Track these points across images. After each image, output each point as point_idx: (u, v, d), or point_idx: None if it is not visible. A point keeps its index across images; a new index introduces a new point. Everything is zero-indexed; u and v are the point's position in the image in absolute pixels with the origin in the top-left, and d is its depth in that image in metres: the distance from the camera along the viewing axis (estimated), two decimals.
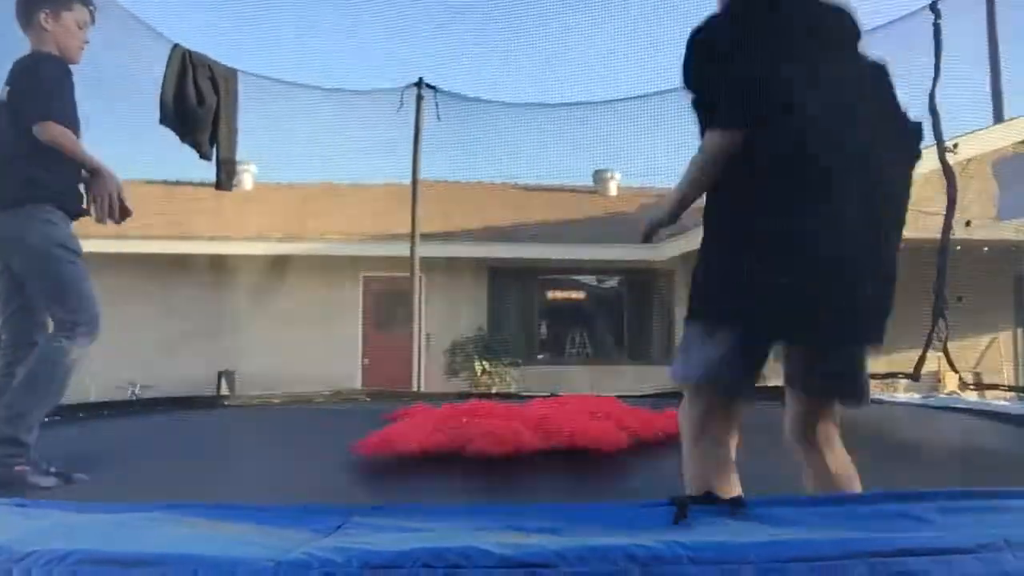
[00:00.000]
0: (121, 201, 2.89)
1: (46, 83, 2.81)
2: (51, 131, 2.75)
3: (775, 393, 6.15)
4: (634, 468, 3.16)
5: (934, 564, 1.04)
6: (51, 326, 2.82)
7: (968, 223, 5.51)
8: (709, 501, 1.45)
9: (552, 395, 5.07)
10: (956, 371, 5.61)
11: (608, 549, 1.06)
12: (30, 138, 2.76)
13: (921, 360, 5.49)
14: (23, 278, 2.85)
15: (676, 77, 2.02)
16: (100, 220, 2.89)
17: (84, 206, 2.95)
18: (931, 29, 5.26)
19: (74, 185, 2.92)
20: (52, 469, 2.75)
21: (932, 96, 5.18)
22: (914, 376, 5.54)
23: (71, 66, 2.96)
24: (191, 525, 1.55)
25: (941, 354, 6.05)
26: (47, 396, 2.74)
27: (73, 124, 2.86)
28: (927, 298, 5.41)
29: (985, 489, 1.55)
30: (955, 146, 5.41)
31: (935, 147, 5.25)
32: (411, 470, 3.04)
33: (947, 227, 5.33)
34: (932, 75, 5.17)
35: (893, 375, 6.25)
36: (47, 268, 2.80)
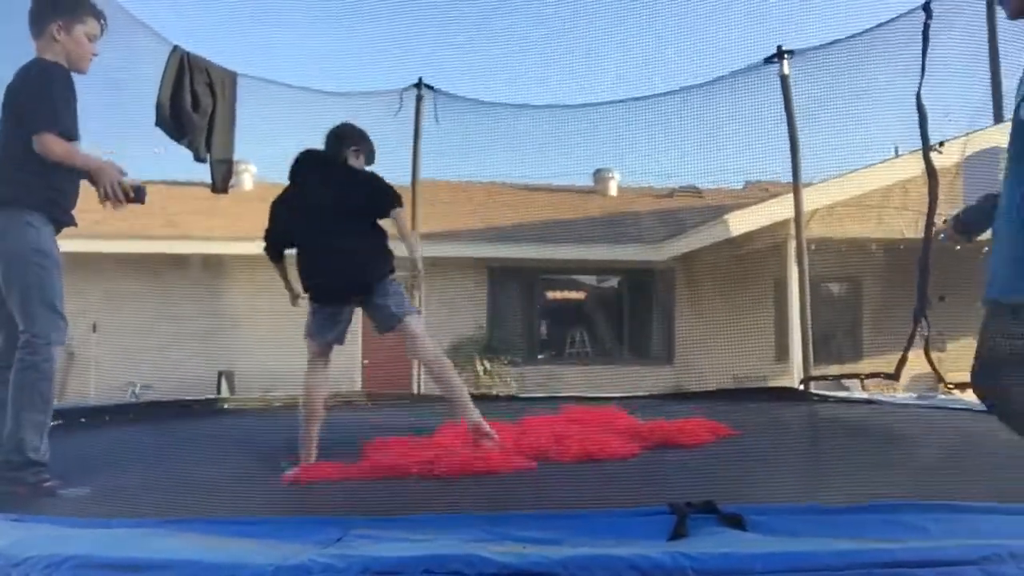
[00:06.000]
0: (125, 185, 2.90)
1: (53, 95, 2.83)
2: (48, 145, 2.76)
3: (775, 393, 6.15)
4: (631, 471, 3.15)
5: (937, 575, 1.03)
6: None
7: (945, 221, 5.48)
8: (709, 510, 1.45)
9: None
10: (940, 376, 5.55)
11: (611, 559, 1.05)
12: (28, 143, 2.76)
13: (902, 360, 5.48)
14: (2, 280, 2.84)
15: (675, 79, 2.04)
16: (115, 206, 2.92)
17: (71, 216, 2.97)
18: (924, 28, 5.27)
19: (66, 195, 2.94)
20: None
21: (918, 95, 5.19)
22: (895, 376, 5.54)
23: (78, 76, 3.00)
24: (191, 537, 1.54)
25: (939, 355, 6.00)
26: (35, 415, 2.75)
27: (74, 135, 2.88)
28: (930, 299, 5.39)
29: (978, 504, 1.55)
30: (941, 145, 5.39)
31: (923, 146, 5.28)
32: (411, 480, 3.03)
33: (929, 225, 5.33)
34: (920, 74, 5.19)
35: (875, 375, 6.27)
36: (20, 272, 2.79)
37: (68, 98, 2.88)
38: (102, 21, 3.06)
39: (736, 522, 1.39)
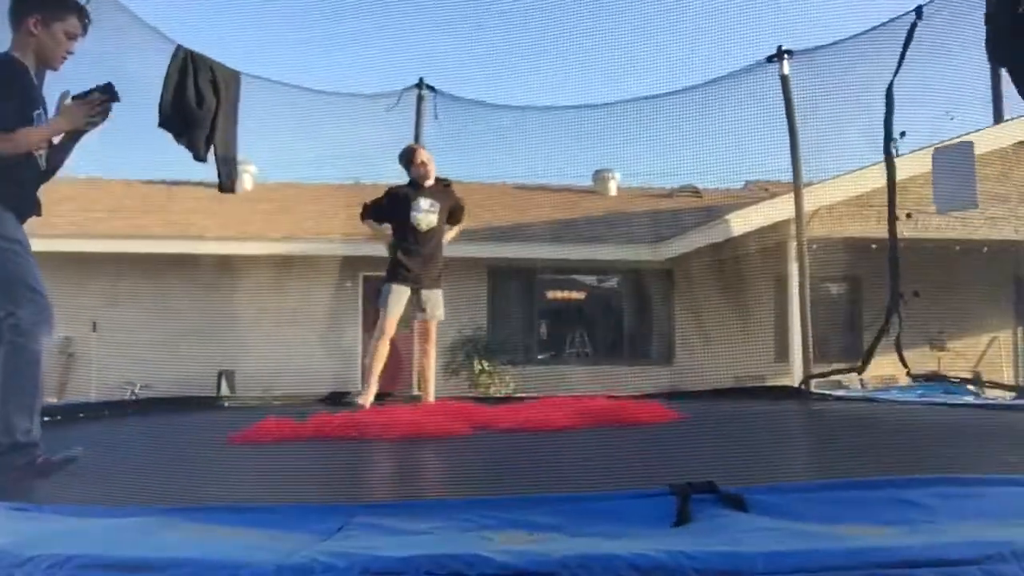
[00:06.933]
0: (94, 102, 2.88)
1: None
2: None
3: (775, 393, 6.17)
4: (628, 449, 3.17)
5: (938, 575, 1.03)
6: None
7: (908, 215, 5.48)
8: (709, 490, 1.45)
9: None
10: (907, 368, 5.57)
11: (611, 558, 1.05)
12: None
13: (868, 354, 5.51)
14: None
15: (674, 80, 2.06)
16: (101, 120, 2.93)
17: (38, 212, 2.95)
18: (924, 29, 5.30)
19: (28, 191, 2.91)
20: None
21: (890, 86, 5.22)
22: (860, 370, 5.59)
23: (54, 70, 2.98)
24: (193, 528, 1.55)
25: (940, 353, 6.00)
26: (24, 398, 2.75)
27: (19, 123, 2.81)
28: (928, 297, 5.40)
29: (981, 477, 1.56)
30: (902, 135, 5.39)
31: (884, 137, 5.31)
32: (410, 462, 3.05)
33: (892, 219, 5.30)
34: (896, 68, 5.23)
35: (846, 371, 6.30)
36: None
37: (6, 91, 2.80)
38: (85, 20, 3.02)
39: (737, 503, 1.40)
